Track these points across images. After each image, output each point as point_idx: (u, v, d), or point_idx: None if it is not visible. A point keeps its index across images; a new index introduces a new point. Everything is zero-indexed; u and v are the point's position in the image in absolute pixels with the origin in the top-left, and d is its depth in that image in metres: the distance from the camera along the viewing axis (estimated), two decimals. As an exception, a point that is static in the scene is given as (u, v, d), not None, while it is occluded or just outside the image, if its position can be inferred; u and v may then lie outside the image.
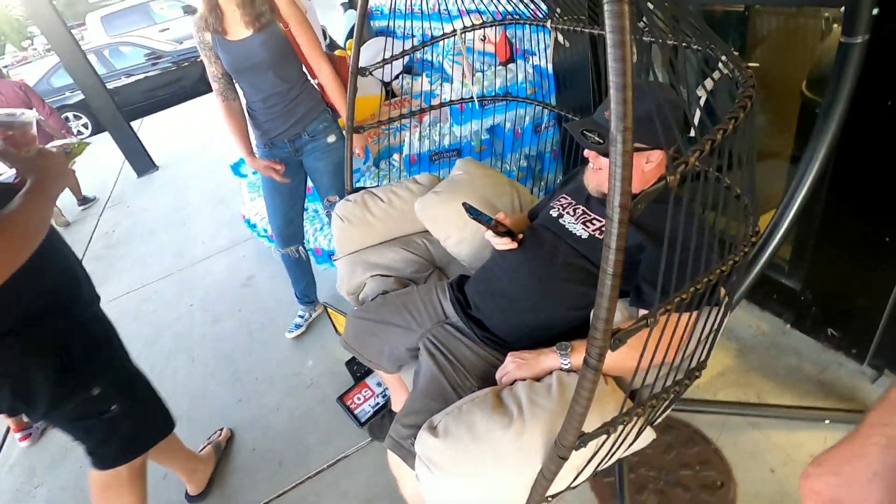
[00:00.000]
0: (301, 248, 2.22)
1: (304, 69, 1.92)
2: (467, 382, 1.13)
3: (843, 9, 1.14)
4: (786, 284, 1.67)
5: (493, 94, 2.29)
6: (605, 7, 0.56)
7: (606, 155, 1.09)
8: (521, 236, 1.26)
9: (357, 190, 1.81)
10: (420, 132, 2.47)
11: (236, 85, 1.92)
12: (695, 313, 0.86)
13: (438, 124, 2.44)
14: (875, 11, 1.10)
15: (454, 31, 1.79)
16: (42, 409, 1.14)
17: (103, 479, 1.33)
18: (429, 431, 0.97)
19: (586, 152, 1.17)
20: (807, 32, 1.64)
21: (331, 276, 2.76)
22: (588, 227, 1.20)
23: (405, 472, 1.09)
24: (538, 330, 1.17)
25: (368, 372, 2.05)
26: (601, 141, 1.08)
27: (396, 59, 1.76)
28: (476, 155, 2.39)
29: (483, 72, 2.55)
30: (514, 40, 2.69)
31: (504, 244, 1.25)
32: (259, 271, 3.03)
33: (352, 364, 2.07)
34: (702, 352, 0.96)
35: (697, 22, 0.91)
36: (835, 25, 1.67)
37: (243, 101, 1.96)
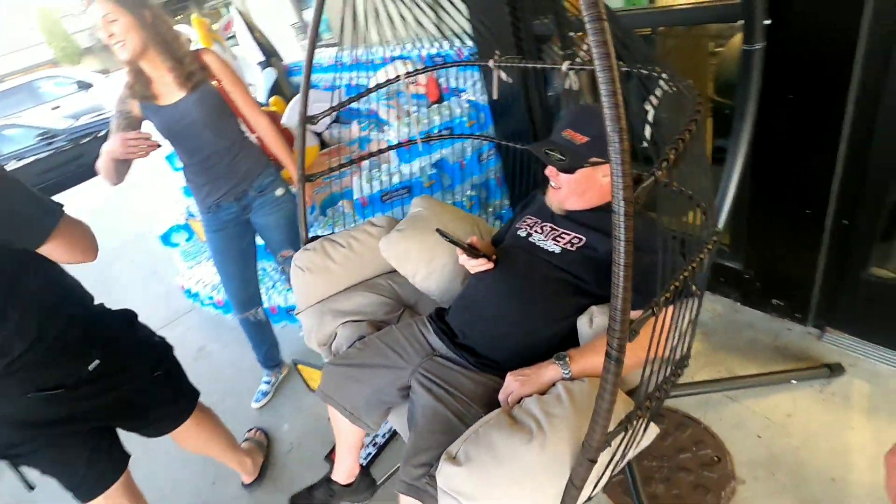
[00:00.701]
0: (260, 309, 2.13)
1: (242, 125, 1.90)
2: (472, 410, 1.12)
3: (741, 22, 1.34)
4: (730, 266, 1.85)
5: (435, 130, 2.39)
6: (588, 26, 0.64)
7: (567, 171, 1.18)
8: (494, 257, 1.29)
9: (314, 238, 1.78)
10: (368, 175, 2.50)
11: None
12: (672, 308, 0.90)
13: (382, 165, 2.49)
14: (767, 22, 1.30)
15: (398, 76, 1.86)
16: (143, 369, 1.36)
17: (194, 423, 1.56)
18: (449, 462, 0.94)
19: (547, 171, 1.24)
20: (708, 46, 1.89)
21: (290, 334, 2.66)
22: (559, 242, 1.25)
23: None
24: (529, 346, 1.19)
25: (353, 423, 1.97)
26: (563, 158, 1.15)
27: (343, 105, 1.79)
28: (426, 190, 2.45)
29: (418, 111, 2.65)
30: (440, 80, 2.84)
31: (480, 265, 1.28)
32: (209, 342, 2.84)
33: (335, 417, 1.98)
34: (687, 342, 1.02)
35: (642, 46, 1.03)
36: (715, 46, 1.94)
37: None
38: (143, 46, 1.56)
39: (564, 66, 1.33)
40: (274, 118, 2.04)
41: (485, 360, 1.22)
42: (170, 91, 1.68)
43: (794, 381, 1.60)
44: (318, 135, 3.37)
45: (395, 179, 2.40)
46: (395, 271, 1.72)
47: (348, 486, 1.53)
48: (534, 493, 0.90)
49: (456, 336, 1.29)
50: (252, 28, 3.74)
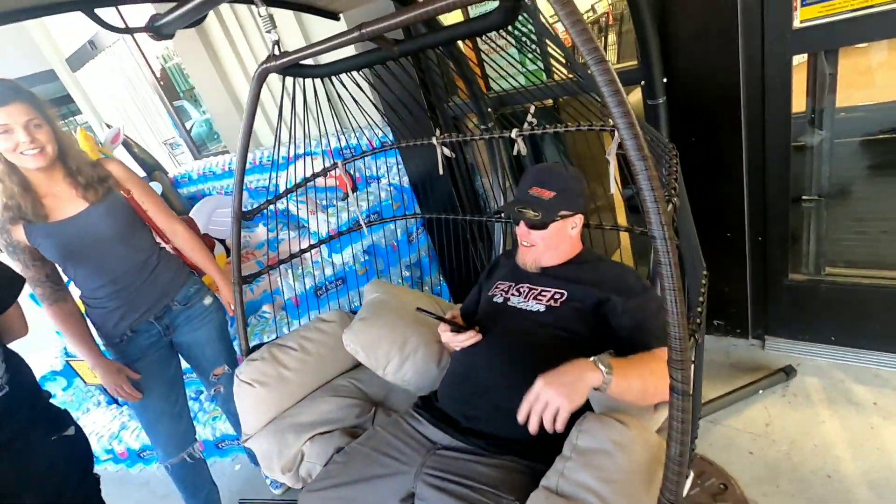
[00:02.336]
0: (196, 446, 1.77)
1: (155, 235, 1.69)
2: (502, 500, 0.97)
3: (643, 82, 1.54)
4: (670, 298, 1.98)
5: (363, 215, 2.34)
6: (594, 68, 0.69)
7: (541, 227, 1.20)
8: (477, 328, 1.21)
9: (256, 347, 1.60)
10: (295, 273, 2.33)
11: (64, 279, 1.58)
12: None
13: (310, 260, 2.35)
14: (665, 80, 1.52)
15: (335, 164, 1.84)
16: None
17: None
18: None
19: (519, 233, 1.25)
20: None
21: (223, 471, 2.25)
22: (541, 300, 1.21)
23: None
24: None
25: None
26: (538, 214, 1.17)
27: (281, 197, 1.70)
28: (360, 278, 2.34)
29: (331, 205, 2.59)
30: (352, 171, 2.85)
31: (469, 339, 1.20)
32: (113, 507, 2.28)
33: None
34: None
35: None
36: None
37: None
38: (55, 155, 1.39)
39: (514, 132, 1.41)
40: (190, 224, 1.85)
41: (497, 440, 1.09)
42: (68, 204, 1.45)
43: (761, 392, 1.70)
44: (222, 242, 3.13)
45: (328, 272, 2.27)
46: (354, 369, 1.61)
47: None
48: None
49: (458, 422, 1.15)
50: (129, 144, 3.50)
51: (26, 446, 1.14)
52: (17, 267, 1.49)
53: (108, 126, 3.92)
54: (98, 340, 1.60)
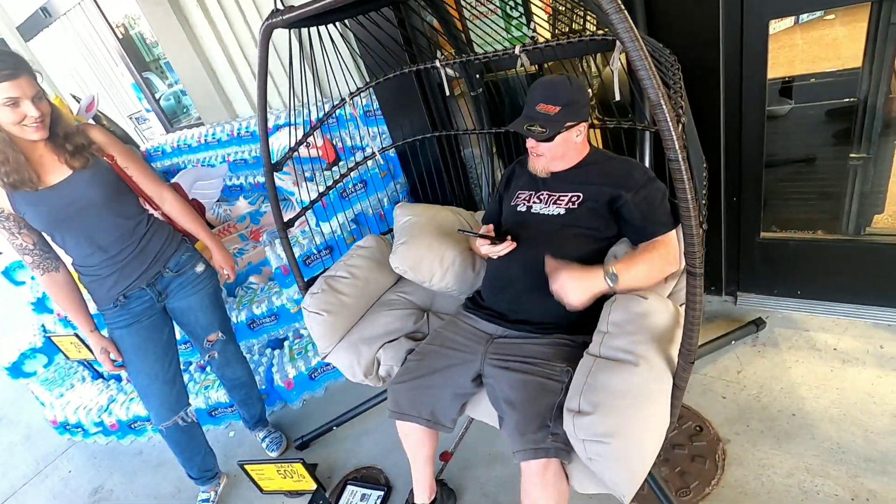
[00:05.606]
0: (190, 409, 1.79)
1: (143, 202, 1.67)
2: (556, 367, 1.20)
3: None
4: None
5: (350, 185, 2.35)
6: (614, 22, 0.74)
7: (546, 140, 1.31)
8: (510, 238, 1.38)
9: (311, 281, 1.76)
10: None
11: (54, 248, 1.57)
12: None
13: (303, 227, 2.36)
14: (648, 44, 1.57)
15: (342, 100, 1.94)
16: None
17: None
18: (577, 415, 1.03)
19: (529, 144, 1.37)
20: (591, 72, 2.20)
21: (218, 438, 2.28)
22: (560, 204, 1.37)
23: (548, 476, 1.12)
24: None
25: (330, 513, 1.73)
26: (544, 129, 1.28)
27: (296, 148, 1.75)
28: (348, 247, 2.36)
29: (316, 175, 2.58)
30: (335, 141, 2.83)
31: (506, 248, 1.37)
32: (106, 479, 2.29)
33: (309, 512, 1.71)
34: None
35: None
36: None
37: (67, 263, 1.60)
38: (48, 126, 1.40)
39: (517, 48, 1.48)
40: (177, 189, 1.82)
41: (543, 324, 1.33)
42: (52, 171, 1.43)
43: (733, 342, 1.82)
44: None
45: (317, 240, 2.28)
46: (397, 283, 1.81)
47: (433, 503, 1.52)
48: (651, 407, 1.04)
49: (506, 315, 1.38)
50: (98, 117, 3.38)
51: None
52: (3, 236, 1.46)
53: (74, 97, 3.77)
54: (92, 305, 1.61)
